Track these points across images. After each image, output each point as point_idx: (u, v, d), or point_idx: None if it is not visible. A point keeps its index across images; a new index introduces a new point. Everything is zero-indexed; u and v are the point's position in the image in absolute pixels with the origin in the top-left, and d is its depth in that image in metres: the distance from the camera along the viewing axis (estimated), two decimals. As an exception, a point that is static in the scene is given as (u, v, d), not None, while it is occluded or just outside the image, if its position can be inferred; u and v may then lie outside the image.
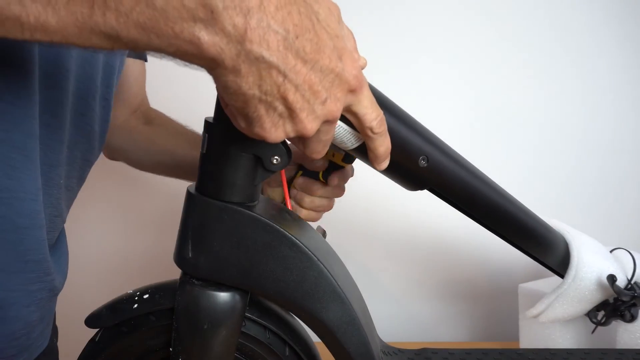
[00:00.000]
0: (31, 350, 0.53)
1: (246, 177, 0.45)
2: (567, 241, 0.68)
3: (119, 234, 1.07)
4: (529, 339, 0.82)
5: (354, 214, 1.03)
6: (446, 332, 1.10)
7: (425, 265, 1.07)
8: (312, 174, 0.61)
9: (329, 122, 0.38)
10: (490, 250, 1.05)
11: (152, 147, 0.73)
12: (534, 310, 0.72)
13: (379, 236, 1.05)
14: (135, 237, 1.07)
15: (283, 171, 0.49)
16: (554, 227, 0.68)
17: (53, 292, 0.53)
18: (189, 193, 0.47)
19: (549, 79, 1.04)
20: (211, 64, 0.32)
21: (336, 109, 0.37)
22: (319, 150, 0.41)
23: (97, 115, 0.57)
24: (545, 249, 0.64)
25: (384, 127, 0.42)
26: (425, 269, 1.07)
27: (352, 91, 0.37)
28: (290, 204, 0.52)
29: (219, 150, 0.44)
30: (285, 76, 0.33)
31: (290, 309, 0.49)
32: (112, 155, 0.77)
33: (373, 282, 1.07)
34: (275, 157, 0.45)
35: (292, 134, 0.36)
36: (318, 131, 0.38)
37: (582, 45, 1.04)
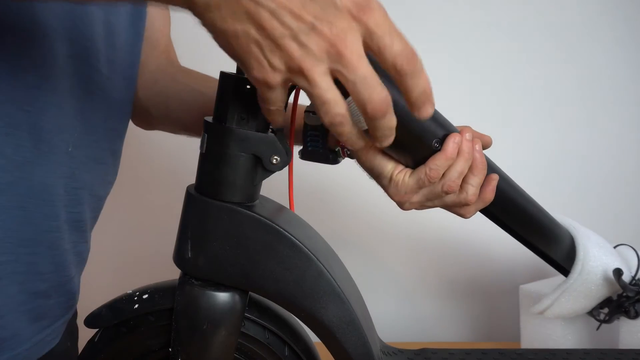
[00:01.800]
0: (38, 334, 0.52)
1: (246, 177, 0.45)
2: (573, 235, 0.68)
3: (118, 233, 1.06)
4: (530, 339, 0.82)
5: (354, 214, 1.03)
6: (446, 332, 1.10)
7: (425, 265, 1.07)
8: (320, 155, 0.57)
9: (334, 54, 0.32)
10: (491, 251, 1.05)
11: (186, 93, 0.66)
12: (540, 307, 0.72)
13: (378, 236, 1.05)
14: (135, 236, 1.07)
15: (291, 172, 0.49)
16: (560, 222, 0.68)
17: (31, 267, 0.49)
18: (188, 193, 0.47)
19: (553, 76, 1.04)
20: (186, 4, 0.32)
21: (334, 34, 0.32)
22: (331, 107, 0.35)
23: (108, 79, 0.54)
24: (552, 242, 0.64)
25: (416, 64, 0.34)
26: (426, 268, 1.07)
27: (356, 18, 0.32)
28: (293, 206, 0.52)
29: (218, 150, 0.44)
30: (256, 2, 0.31)
31: (289, 309, 0.48)
32: (149, 120, 0.69)
33: (373, 282, 1.07)
34: (275, 156, 0.45)
35: (283, 67, 0.33)
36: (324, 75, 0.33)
37: (590, 43, 1.03)
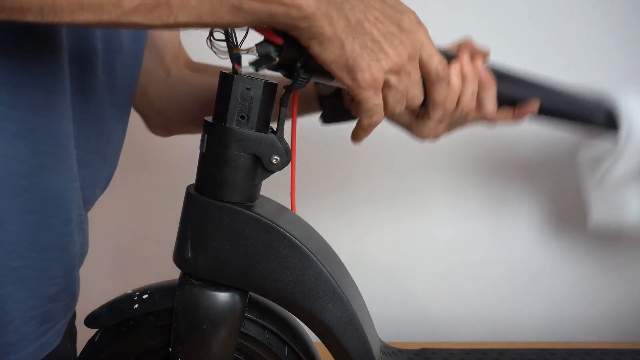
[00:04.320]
0: (43, 337, 0.52)
1: (246, 177, 0.45)
2: (608, 97, 0.64)
3: (118, 233, 1.06)
4: (600, 209, 0.75)
5: (354, 214, 1.03)
6: (446, 332, 1.10)
7: (426, 265, 1.07)
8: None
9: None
10: (491, 250, 1.05)
11: (202, 91, 0.66)
12: (599, 176, 0.68)
13: (379, 236, 1.05)
14: (135, 236, 1.07)
15: (293, 172, 0.49)
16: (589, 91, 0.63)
17: (42, 272, 0.49)
18: (188, 193, 0.47)
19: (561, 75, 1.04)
20: (290, 19, 0.38)
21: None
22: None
23: (104, 82, 0.54)
24: (590, 109, 0.62)
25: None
26: (426, 268, 1.07)
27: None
28: (295, 206, 0.52)
29: (218, 150, 0.44)
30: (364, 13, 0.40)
31: (289, 309, 0.49)
32: (168, 126, 0.70)
33: (373, 282, 1.07)
34: (275, 156, 0.45)
35: (389, 66, 0.40)
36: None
37: (590, 42, 1.03)
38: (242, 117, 0.44)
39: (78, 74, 0.50)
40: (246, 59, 0.44)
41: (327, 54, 0.40)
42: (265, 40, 0.42)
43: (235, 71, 0.44)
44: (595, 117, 0.62)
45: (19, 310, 0.48)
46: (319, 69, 0.43)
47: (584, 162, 0.77)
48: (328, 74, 0.43)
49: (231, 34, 0.43)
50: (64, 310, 0.54)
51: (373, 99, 0.42)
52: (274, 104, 0.46)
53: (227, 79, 0.44)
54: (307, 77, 0.43)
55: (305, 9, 0.37)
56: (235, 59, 0.44)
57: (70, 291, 0.53)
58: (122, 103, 0.59)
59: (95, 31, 0.51)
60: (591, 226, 0.74)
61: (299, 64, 0.43)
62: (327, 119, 0.59)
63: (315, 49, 0.40)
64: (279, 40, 0.41)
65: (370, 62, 0.40)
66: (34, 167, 0.45)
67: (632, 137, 0.63)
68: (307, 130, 0.93)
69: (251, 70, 0.43)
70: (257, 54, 0.43)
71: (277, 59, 0.42)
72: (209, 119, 0.46)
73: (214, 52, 0.43)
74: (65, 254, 0.51)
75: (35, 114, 0.44)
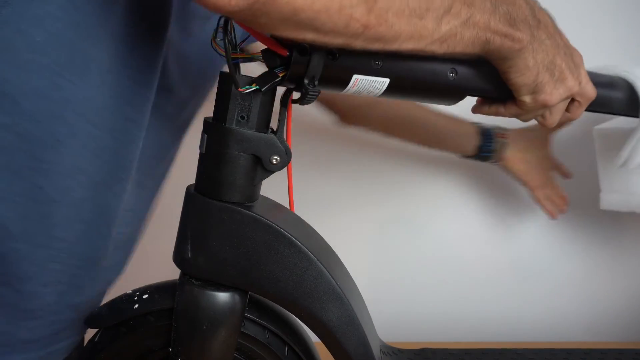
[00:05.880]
0: (56, 344, 0.51)
1: (245, 177, 0.45)
2: (627, 79, 0.60)
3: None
4: (610, 186, 0.73)
5: (354, 213, 1.03)
6: (446, 332, 1.10)
7: (426, 265, 1.07)
8: None
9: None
10: (491, 250, 1.05)
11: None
12: (620, 160, 0.64)
13: (378, 236, 1.05)
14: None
15: (290, 174, 0.49)
16: (606, 71, 0.60)
17: (73, 279, 0.50)
18: (188, 193, 0.47)
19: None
20: (519, 53, 0.44)
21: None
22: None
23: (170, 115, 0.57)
24: (609, 91, 0.57)
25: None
26: (425, 268, 1.07)
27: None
28: (293, 206, 0.52)
29: (218, 150, 0.44)
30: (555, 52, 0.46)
31: (289, 309, 0.49)
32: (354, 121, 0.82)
33: (373, 282, 1.07)
34: (275, 156, 0.45)
35: (565, 95, 0.47)
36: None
37: (587, 40, 1.03)
38: (242, 117, 0.44)
39: (155, 107, 0.52)
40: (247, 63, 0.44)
41: (522, 79, 0.46)
42: (269, 50, 0.42)
43: (236, 85, 0.43)
44: (612, 105, 0.59)
45: (42, 311, 0.48)
46: (334, 81, 0.43)
47: (598, 139, 0.74)
48: (342, 86, 0.43)
49: (231, 36, 0.43)
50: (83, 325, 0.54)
51: (537, 114, 0.50)
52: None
53: (227, 79, 0.44)
54: (317, 91, 0.42)
55: (523, 43, 0.44)
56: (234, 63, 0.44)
57: (95, 304, 0.54)
58: (175, 136, 0.61)
59: (177, 67, 0.54)
60: (603, 206, 0.73)
61: (306, 80, 0.42)
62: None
63: (512, 74, 0.46)
64: (284, 52, 0.41)
65: (553, 89, 0.47)
66: (94, 182, 0.47)
67: None
68: (307, 130, 0.93)
69: (253, 89, 0.43)
70: (262, 60, 0.43)
71: (281, 75, 0.42)
72: (209, 119, 0.46)
73: (218, 53, 0.43)
74: (97, 266, 0.52)
75: (111, 137, 0.46)
